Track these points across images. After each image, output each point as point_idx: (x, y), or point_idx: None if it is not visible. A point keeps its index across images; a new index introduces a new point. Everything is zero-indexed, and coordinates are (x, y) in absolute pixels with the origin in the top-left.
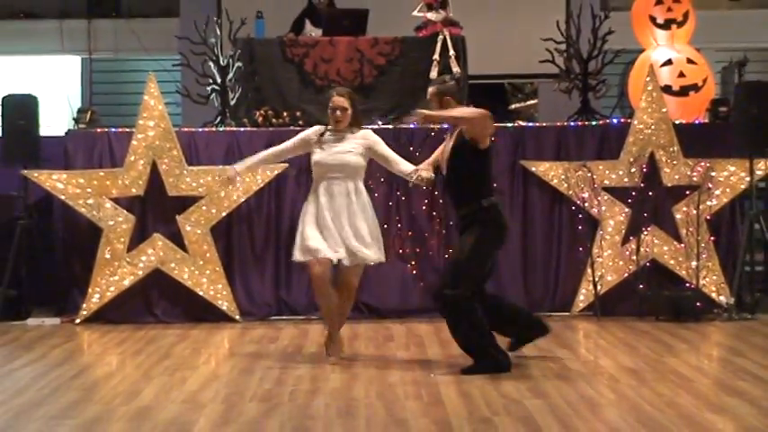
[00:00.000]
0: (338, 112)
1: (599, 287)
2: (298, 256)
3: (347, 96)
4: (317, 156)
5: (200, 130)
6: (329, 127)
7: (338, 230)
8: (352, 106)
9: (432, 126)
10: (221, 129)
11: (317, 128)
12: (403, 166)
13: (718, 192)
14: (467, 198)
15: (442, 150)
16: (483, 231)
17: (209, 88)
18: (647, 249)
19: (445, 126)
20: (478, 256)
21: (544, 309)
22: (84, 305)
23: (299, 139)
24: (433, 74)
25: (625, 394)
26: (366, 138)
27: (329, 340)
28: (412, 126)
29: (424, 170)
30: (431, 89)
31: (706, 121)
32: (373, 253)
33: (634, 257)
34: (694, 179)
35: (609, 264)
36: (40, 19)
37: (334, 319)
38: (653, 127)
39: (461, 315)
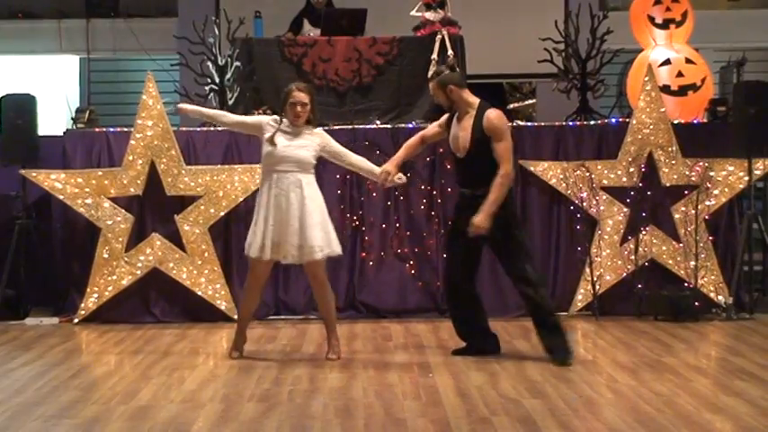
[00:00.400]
0: (299, 108)
1: (597, 287)
2: (247, 250)
3: (307, 92)
4: (270, 148)
5: (199, 129)
6: (284, 121)
7: (285, 227)
8: (311, 102)
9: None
10: (219, 128)
11: (275, 117)
12: (360, 162)
13: (716, 191)
14: (486, 179)
15: (451, 137)
16: (506, 214)
17: (207, 88)
18: (646, 249)
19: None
20: (518, 233)
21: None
22: (83, 305)
23: (256, 120)
24: (431, 74)
25: (623, 394)
26: (321, 136)
27: (238, 337)
28: (410, 126)
29: (395, 174)
30: (431, 84)
31: (704, 120)
32: (319, 248)
33: (632, 257)
34: (693, 179)
35: (607, 263)
36: (38, 19)
37: (247, 320)
38: (651, 127)
39: (543, 285)
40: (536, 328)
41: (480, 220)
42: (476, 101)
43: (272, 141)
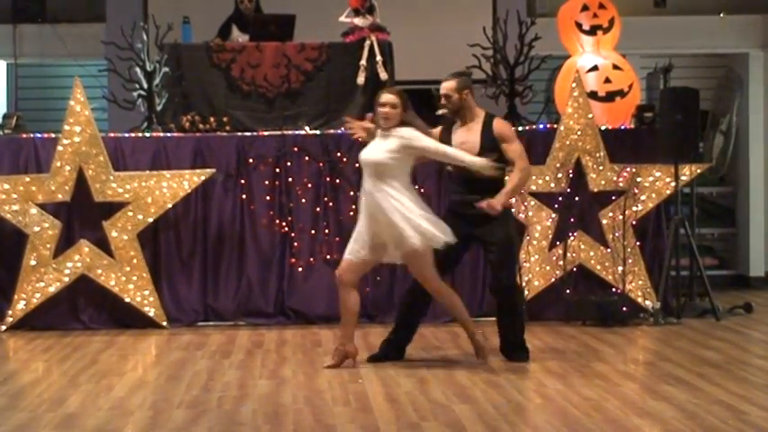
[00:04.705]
0: (385, 109)
1: (526, 292)
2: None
3: (394, 93)
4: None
5: (127, 135)
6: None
7: (368, 230)
8: (401, 105)
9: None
10: (148, 134)
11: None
12: (458, 155)
13: (643, 197)
14: (490, 186)
15: (456, 143)
16: (510, 215)
17: (135, 94)
18: (574, 254)
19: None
20: (516, 240)
21: (471, 313)
22: (10, 312)
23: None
24: (360, 79)
25: (552, 399)
26: (401, 136)
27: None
28: (339, 132)
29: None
30: (450, 84)
31: (632, 126)
32: (407, 241)
33: (561, 262)
34: (620, 184)
35: (536, 269)
36: None
37: (352, 323)
38: (579, 132)
39: (520, 301)
40: (503, 329)
41: (496, 201)
42: (481, 109)
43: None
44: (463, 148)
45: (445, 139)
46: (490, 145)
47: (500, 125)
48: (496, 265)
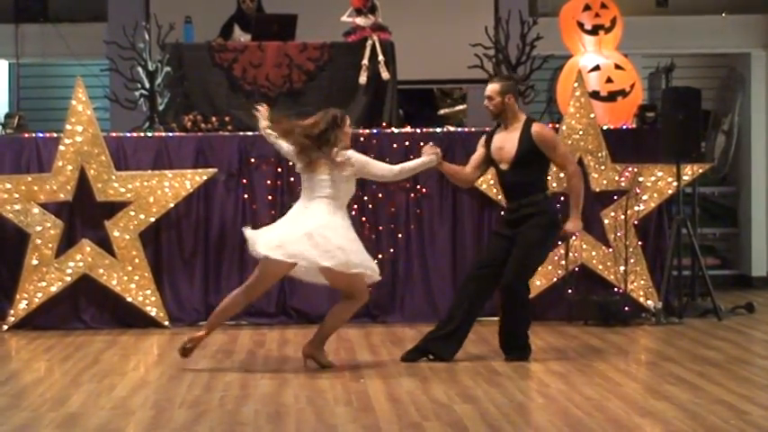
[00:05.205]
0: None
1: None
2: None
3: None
4: None
5: (129, 135)
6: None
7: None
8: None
9: (360, 131)
10: (150, 134)
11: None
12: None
13: (645, 197)
14: (533, 190)
15: (494, 147)
16: (549, 222)
17: (137, 93)
18: (576, 254)
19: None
20: (546, 247)
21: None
22: (12, 311)
23: None
24: (362, 79)
25: (554, 398)
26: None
27: None
28: None
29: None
30: (495, 87)
31: (634, 126)
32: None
33: (563, 262)
34: (622, 184)
35: (538, 268)
36: None
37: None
38: (581, 132)
39: (526, 307)
40: (500, 326)
41: (572, 225)
42: (523, 114)
43: None
44: (500, 153)
45: (488, 147)
46: (527, 151)
47: (539, 132)
48: (510, 262)
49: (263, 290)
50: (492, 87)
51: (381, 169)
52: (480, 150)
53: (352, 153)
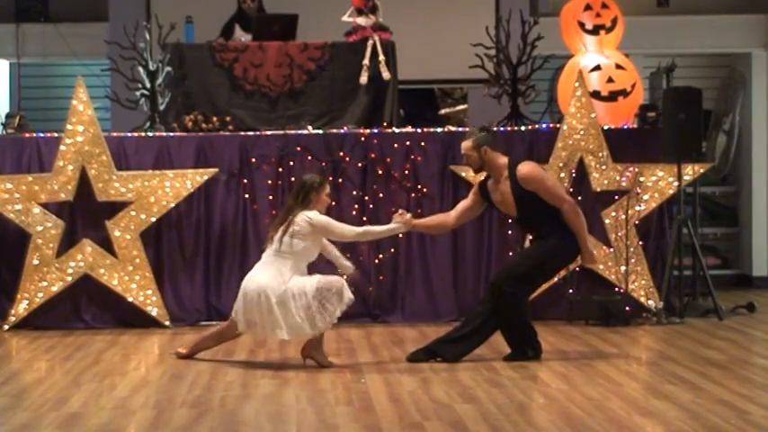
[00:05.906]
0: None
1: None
2: None
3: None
4: None
5: (130, 135)
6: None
7: None
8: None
9: (361, 131)
10: (151, 134)
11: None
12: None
13: (646, 197)
14: (547, 221)
15: (496, 201)
16: (561, 242)
17: (138, 93)
18: None
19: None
20: (547, 265)
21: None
22: (13, 311)
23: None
24: (363, 79)
25: (555, 398)
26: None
27: None
28: (342, 131)
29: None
30: (467, 143)
31: (635, 126)
32: None
33: None
34: (623, 184)
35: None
36: None
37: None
38: (582, 132)
39: (518, 314)
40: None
41: (586, 260)
42: (505, 160)
43: None
44: (503, 206)
45: (483, 196)
46: (523, 197)
47: (524, 177)
48: (507, 263)
49: (232, 338)
50: (465, 145)
51: (342, 230)
52: (471, 198)
53: (314, 215)
